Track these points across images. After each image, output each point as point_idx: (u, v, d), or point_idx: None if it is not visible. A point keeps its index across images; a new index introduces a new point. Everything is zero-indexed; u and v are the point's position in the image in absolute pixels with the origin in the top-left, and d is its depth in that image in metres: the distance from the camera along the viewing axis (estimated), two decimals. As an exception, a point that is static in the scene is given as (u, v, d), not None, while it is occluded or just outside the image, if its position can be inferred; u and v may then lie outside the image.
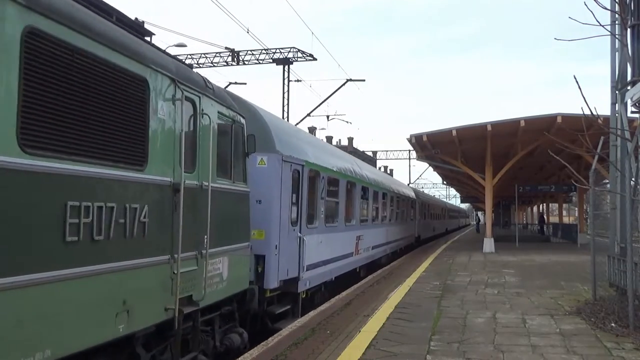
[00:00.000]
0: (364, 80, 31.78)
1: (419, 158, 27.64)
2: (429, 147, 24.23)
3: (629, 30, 10.25)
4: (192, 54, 32.58)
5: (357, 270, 15.42)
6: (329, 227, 12.09)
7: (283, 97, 32.61)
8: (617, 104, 11.21)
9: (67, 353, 4.00)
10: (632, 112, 10.97)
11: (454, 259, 20.73)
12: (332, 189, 12.77)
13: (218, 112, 6.76)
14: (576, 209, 39.09)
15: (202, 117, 6.25)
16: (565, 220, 48.61)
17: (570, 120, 18.36)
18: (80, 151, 4.18)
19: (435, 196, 66.83)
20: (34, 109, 3.71)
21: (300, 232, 10.02)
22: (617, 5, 10.41)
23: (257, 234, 8.56)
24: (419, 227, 30.46)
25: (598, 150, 10.01)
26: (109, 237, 4.45)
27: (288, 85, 32.65)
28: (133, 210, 4.81)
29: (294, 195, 9.89)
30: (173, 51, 33.85)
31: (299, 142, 10.96)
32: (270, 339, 7.70)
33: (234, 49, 32.35)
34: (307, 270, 10.25)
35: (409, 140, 23.49)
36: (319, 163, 11.47)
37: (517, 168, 27.57)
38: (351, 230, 14.38)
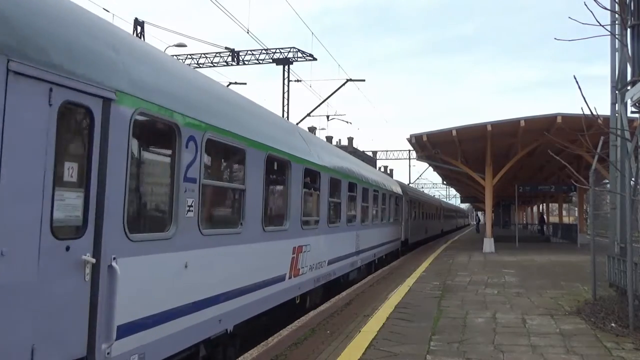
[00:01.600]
0: (364, 80, 31.75)
1: (419, 158, 27.64)
2: (429, 147, 24.23)
3: (629, 30, 10.25)
4: (192, 54, 32.69)
5: (298, 300, 9.65)
6: (213, 236, 6.30)
7: (283, 97, 32.67)
8: (617, 104, 11.21)
9: None
10: (632, 112, 10.97)
11: (454, 259, 20.73)
12: (227, 165, 7.87)
13: None
14: (576, 209, 39.10)
15: None
16: (565, 220, 48.63)
17: (570, 120, 18.37)
18: None
19: (435, 196, 66.37)
20: None
21: (91, 253, 4.36)
22: (617, 5, 10.41)
23: None
24: (407, 229, 25.99)
25: (598, 150, 10.01)
26: None
27: (288, 85, 32.71)
28: None
29: (71, 167, 4.29)
30: (173, 51, 33.93)
31: (101, 45, 4.74)
32: (270, 338, 7.70)
33: (234, 49, 32.43)
34: (127, 334, 4.73)
35: (409, 140, 23.51)
36: (178, 108, 5.56)
37: (517, 168, 27.59)
38: (281, 239, 8.62)
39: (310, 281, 10.33)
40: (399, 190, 23.60)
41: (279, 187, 9.26)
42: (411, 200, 28.31)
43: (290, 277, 9.11)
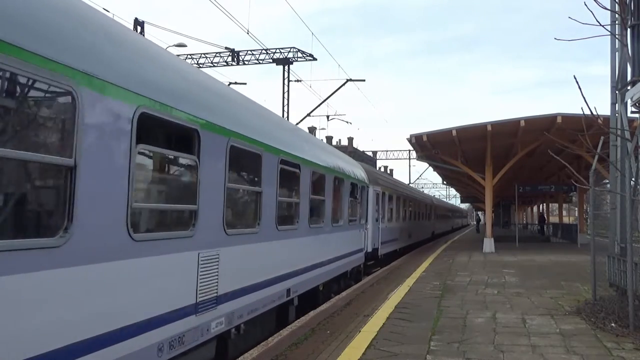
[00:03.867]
0: (364, 80, 31.74)
1: (419, 158, 27.66)
2: (429, 147, 24.24)
3: (629, 30, 10.25)
4: (192, 54, 32.67)
5: None
6: None
7: (283, 97, 32.65)
8: (617, 104, 11.21)
9: None
10: (632, 112, 10.98)
11: (454, 259, 20.73)
12: None
13: None
14: (576, 209, 39.10)
15: None
16: (565, 220, 48.62)
17: (570, 120, 18.39)
18: None
19: (435, 196, 65.45)
20: None
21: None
22: (617, 5, 10.41)
23: None
24: (376, 235, 18.66)
25: (598, 150, 10.01)
26: None
27: (288, 85, 32.69)
28: None
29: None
30: (173, 51, 33.92)
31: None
32: (270, 338, 7.71)
33: (234, 49, 32.42)
34: None
35: (409, 140, 23.51)
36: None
37: (517, 168, 27.59)
38: None
39: None
40: (361, 175, 15.46)
41: None
42: (385, 194, 20.86)
43: None
